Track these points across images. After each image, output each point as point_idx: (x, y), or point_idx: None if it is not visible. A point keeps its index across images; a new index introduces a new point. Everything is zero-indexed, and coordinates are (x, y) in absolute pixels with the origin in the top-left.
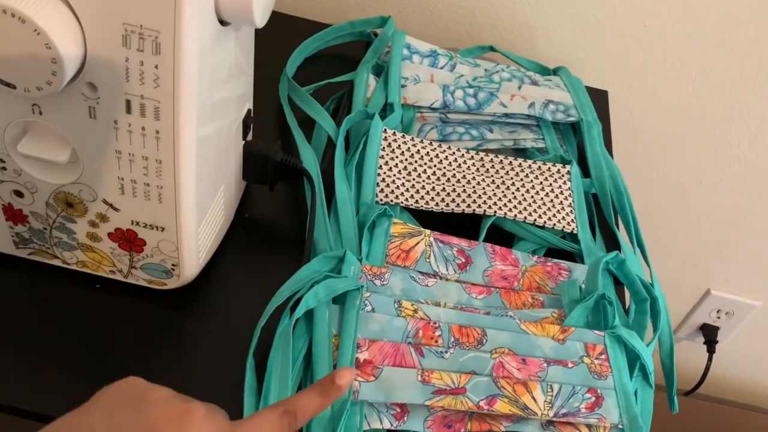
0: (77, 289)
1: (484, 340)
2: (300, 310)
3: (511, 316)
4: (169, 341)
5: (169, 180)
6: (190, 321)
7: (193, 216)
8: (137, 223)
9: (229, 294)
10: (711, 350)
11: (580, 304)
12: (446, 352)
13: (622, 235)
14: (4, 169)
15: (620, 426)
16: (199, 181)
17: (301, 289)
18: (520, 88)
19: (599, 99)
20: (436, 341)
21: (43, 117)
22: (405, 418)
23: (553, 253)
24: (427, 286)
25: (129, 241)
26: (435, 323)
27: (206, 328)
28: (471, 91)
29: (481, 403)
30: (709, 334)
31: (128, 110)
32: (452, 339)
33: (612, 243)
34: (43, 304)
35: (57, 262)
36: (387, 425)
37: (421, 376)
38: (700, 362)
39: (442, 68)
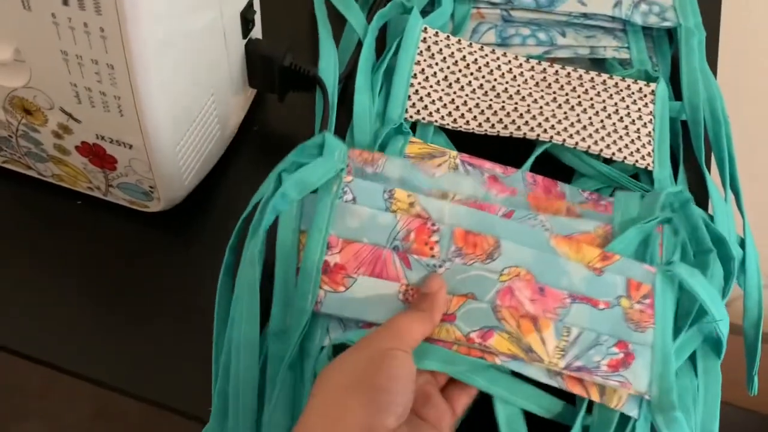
0: (60, 201)
1: (496, 255)
2: (267, 220)
3: (541, 222)
4: (149, 262)
5: (126, 89)
6: (177, 242)
7: (165, 131)
8: (102, 138)
9: (229, 216)
10: None
11: (638, 224)
12: (441, 265)
13: (713, 177)
14: None
15: (647, 397)
16: (164, 89)
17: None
18: None
19: (710, 1)
20: (432, 248)
21: None
22: None
23: None
24: (434, 176)
25: (99, 156)
26: (433, 224)
27: (198, 250)
28: None
29: (473, 335)
30: None
31: (64, 1)
32: (453, 248)
33: (699, 186)
34: (25, 213)
35: (33, 173)
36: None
37: (404, 294)
38: None
39: None
